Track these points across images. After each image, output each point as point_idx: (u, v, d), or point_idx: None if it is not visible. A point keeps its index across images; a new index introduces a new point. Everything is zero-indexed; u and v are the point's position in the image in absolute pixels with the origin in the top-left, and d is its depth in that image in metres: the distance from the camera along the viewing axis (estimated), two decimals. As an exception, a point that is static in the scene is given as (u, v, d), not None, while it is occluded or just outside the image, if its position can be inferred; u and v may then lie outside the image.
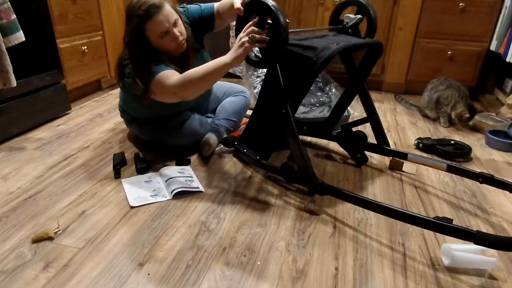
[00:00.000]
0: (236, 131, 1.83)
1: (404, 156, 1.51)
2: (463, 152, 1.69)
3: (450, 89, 2.05)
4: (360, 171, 1.56)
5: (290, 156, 1.36)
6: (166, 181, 1.38)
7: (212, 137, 1.61)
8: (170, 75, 1.29)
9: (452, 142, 1.76)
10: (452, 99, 2.02)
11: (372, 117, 1.55)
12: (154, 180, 1.43)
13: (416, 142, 1.80)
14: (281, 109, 1.30)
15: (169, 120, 1.60)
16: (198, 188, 1.36)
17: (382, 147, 1.57)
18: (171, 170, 1.46)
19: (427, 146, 1.74)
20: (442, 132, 2.02)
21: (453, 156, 1.68)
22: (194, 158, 1.61)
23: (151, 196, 1.32)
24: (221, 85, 1.88)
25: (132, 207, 1.27)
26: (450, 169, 1.41)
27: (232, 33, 2.35)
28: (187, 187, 1.33)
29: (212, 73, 1.24)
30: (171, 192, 1.31)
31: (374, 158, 1.68)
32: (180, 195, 1.32)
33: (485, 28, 2.35)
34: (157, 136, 1.63)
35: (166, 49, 1.39)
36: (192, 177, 1.43)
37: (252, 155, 1.50)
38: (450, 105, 2.04)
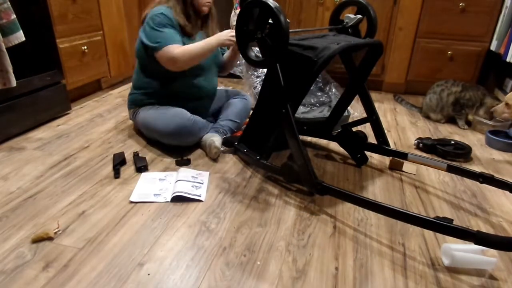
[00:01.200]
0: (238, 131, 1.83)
1: (404, 156, 1.51)
2: (463, 152, 1.69)
3: (469, 90, 2.04)
4: (360, 171, 1.56)
5: (290, 156, 1.36)
6: (176, 182, 1.38)
7: (218, 140, 1.60)
8: (176, 46, 1.53)
9: (452, 142, 1.76)
10: (477, 99, 2.02)
11: (372, 117, 1.55)
12: (168, 179, 1.43)
13: (416, 142, 1.80)
14: (281, 109, 1.30)
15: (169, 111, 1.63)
16: (200, 196, 1.32)
17: (382, 147, 1.57)
18: (188, 172, 1.46)
19: (428, 146, 1.74)
20: (442, 132, 2.02)
21: (454, 156, 1.68)
22: (194, 158, 1.61)
23: (154, 195, 1.32)
24: (220, 90, 1.89)
25: (131, 202, 1.28)
26: (450, 169, 1.41)
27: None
28: (188, 193, 1.32)
29: (203, 50, 1.53)
30: (172, 195, 1.31)
31: (374, 158, 1.68)
32: (180, 200, 1.30)
33: (485, 28, 2.35)
34: (158, 128, 1.62)
35: (197, 4, 1.62)
36: (202, 183, 1.40)
37: (252, 155, 1.49)
38: (476, 105, 2.03)
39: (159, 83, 1.66)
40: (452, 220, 1.00)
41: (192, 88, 1.69)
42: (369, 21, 1.52)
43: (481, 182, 1.33)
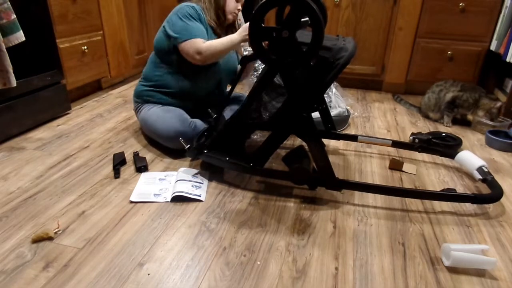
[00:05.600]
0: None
1: (354, 138, 1.71)
2: (453, 144, 1.75)
3: (467, 92, 2.05)
4: (360, 171, 1.56)
5: (289, 158, 1.35)
6: (176, 182, 1.39)
7: None
8: (201, 41, 1.53)
9: (443, 134, 1.83)
10: (474, 100, 2.03)
11: (322, 106, 1.63)
12: (168, 179, 1.44)
13: (411, 138, 1.81)
14: (301, 112, 1.23)
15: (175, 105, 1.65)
16: (199, 196, 1.32)
17: (331, 132, 1.68)
18: (188, 172, 1.46)
19: (423, 141, 1.76)
20: (442, 131, 2.02)
21: (444, 148, 1.72)
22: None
23: (154, 195, 1.33)
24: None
25: (131, 202, 1.28)
26: (394, 144, 1.69)
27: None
28: (188, 193, 1.32)
29: (226, 46, 1.50)
30: (172, 195, 1.31)
31: (374, 158, 1.68)
32: (181, 199, 1.31)
33: (485, 28, 2.35)
34: (158, 132, 1.61)
35: (226, 11, 1.64)
36: (202, 183, 1.41)
37: (240, 163, 1.36)
38: (471, 107, 2.04)
39: (171, 78, 1.64)
40: (455, 189, 1.28)
41: (202, 91, 1.69)
42: (321, 13, 1.48)
43: (419, 152, 1.68)
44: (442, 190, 1.29)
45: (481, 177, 1.42)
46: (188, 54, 1.52)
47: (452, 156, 1.60)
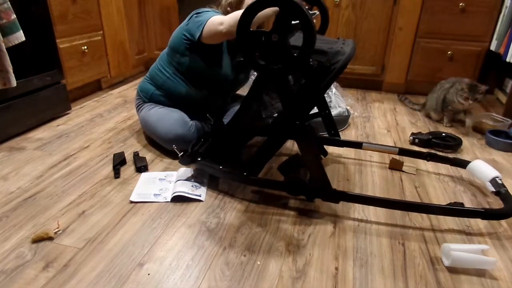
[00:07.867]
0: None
1: (359, 145, 1.63)
2: (453, 144, 1.76)
3: (454, 86, 2.04)
4: (360, 172, 1.56)
5: (285, 167, 1.31)
6: (175, 182, 1.39)
7: None
8: (219, 16, 1.44)
9: (443, 134, 1.83)
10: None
11: (325, 111, 1.58)
12: (168, 179, 1.44)
13: (411, 138, 1.82)
14: (293, 120, 1.16)
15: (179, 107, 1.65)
16: (200, 196, 1.32)
17: (335, 139, 1.63)
18: (188, 172, 1.46)
19: (424, 141, 1.78)
20: (442, 131, 2.02)
21: (443, 148, 1.74)
22: (194, 158, 1.61)
23: (154, 195, 1.33)
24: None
25: (131, 202, 1.28)
26: (401, 152, 1.59)
27: None
28: (188, 193, 1.32)
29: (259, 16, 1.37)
30: (172, 195, 1.31)
31: (374, 158, 1.68)
32: (181, 199, 1.30)
33: (485, 28, 2.35)
34: (157, 133, 1.62)
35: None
36: (202, 183, 1.41)
37: (236, 171, 1.32)
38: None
39: (177, 81, 1.62)
40: (463, 203, 1.18)
41: (204, 96, 1.67)
42: (323, 14, 1.47)
43: (428, 160, 1.58)
44: (449, 204, 1.19)
45: (494, 190, 1.31)
46: (211, 32, 1.41)
47: (463, 165, 1.50)
